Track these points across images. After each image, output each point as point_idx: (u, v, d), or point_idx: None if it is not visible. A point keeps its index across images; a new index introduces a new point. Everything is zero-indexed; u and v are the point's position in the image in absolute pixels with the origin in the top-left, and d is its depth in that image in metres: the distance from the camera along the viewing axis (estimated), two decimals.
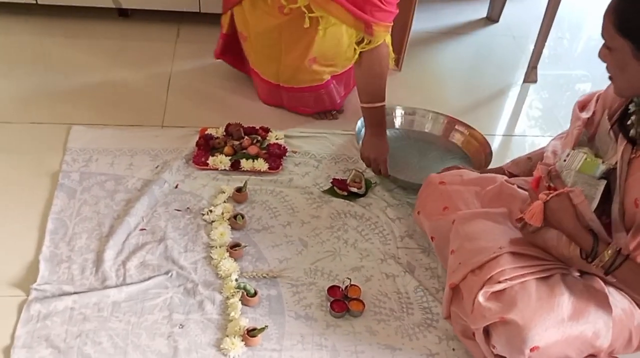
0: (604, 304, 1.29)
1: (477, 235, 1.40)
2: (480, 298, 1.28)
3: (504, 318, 1.24)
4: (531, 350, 1.24)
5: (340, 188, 1.83)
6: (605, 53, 1.20)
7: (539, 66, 2.43)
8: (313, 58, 1.95)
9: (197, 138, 1.94)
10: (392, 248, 1.69)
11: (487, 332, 1.32)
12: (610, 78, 1.25)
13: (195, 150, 1.89)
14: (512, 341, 1.25)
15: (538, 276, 1.31)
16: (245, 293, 1.49)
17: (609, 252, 1.22)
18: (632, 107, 1.26)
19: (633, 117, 1.25)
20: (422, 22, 2.63)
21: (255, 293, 1.50)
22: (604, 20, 1.17)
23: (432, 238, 1.58)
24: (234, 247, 1.60)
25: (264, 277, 1.56)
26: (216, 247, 1.61)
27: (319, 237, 1.70)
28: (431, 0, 2.82)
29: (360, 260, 1.65)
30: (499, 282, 1.28)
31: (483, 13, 2.85)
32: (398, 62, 2.40)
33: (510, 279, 1.29)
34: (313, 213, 1.77)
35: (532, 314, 1.23)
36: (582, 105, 1.45)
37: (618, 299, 1.32)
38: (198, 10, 2.45)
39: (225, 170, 1.86)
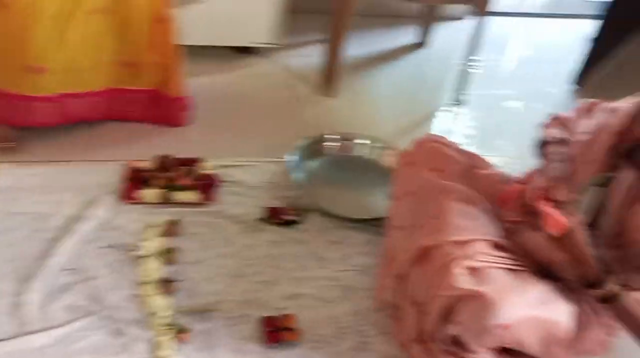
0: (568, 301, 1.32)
1: (464, 215, 1.41)
2: (455, 268, 1.28)
3: (477, 292, 1.24)
4: (499, 327, 1.24)
5: (274, 217, 1.82)
6: None
7: (468, 87, 2.50)
8: (42, 67, 1.77)
9: (126, 172, 1.89)
10: (329, 272, 1.68)
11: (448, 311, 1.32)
12: None
13: (125, 184, 1.84)
14: (481, 317, 1.24)
15: (510, 268, 1.33)
16: (178, 329, 1.44)
17: (615, 287, 1.21)
18: None
19: None
20: (354, 49, 2.66)
21: (188, 329, 1.45)
22: None
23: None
24: (165, 283, 1.56)
25: (198, 312, 1.52)
26: (147, 284, 1.56)
27: (254, 267, 1.67)
28: (361, 27, 2.87)
29: (296, 287, 1.63)
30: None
31: (413, 38, 2.93)
32: (332, 90, 2.42)
33: (486, 262, 1.31)
34: (248, 242, 1.74)
35: (505, 292, 1.24)
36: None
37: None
38: None
39: (156, 203, 1.82)
